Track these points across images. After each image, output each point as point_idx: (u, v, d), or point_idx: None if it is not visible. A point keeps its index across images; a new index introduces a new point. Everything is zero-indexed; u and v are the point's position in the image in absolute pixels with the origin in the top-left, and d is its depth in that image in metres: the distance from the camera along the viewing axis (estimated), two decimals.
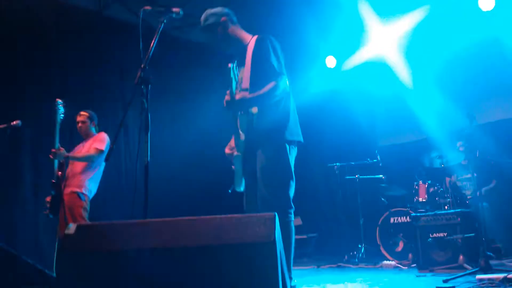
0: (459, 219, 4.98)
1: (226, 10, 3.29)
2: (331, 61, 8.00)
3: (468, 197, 6.08)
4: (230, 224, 1.86)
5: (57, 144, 4.57)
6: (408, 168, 6.71)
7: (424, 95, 7.22)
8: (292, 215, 3.10)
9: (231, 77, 2.96)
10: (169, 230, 1.89)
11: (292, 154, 3.18)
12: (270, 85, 3.02)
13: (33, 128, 5.52)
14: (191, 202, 6.77)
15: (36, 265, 3.89)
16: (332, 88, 7.96)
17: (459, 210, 5.17)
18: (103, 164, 5.00)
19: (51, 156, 4.59)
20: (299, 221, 7.82)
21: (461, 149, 6.23)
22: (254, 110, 3.04)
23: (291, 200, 3.06)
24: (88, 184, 4.84)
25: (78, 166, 4.86)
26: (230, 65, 2.91)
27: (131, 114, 6.45)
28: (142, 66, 2.61)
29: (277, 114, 3.10)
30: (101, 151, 4.85)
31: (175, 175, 6.76)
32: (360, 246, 6.64)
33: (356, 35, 7.29)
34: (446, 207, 5.65)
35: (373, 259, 6.40)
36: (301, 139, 3.22)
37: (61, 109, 4.69)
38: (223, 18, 3.21)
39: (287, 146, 3.13)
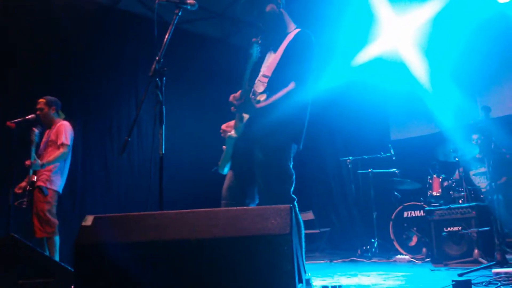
0: (474, 212, 4.93)
1: None
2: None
3: (483, 190, 6.01)
4: (246, 215, 1.86)
5: (33, 157, 4.63)
6: (422, 161, 6.65)
7: (439, 88, 7.14)
8: (296, 207, 3.04)
9: (250, 52, 2.82)
10: (185, 221, 1.89)
11: (290, 156, 3.08)
12: (288, 88, 2.92)
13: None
14: (205, 194, 6.78)
15: (52, 258, 3.94)
16: (344, 82, 7.90)
17: (473, 203, 5.12)
18: (69, 156, 4.98)
19: (26, 166, 4.65)
20: (311, 216, 7.81)
21: (476, 142, 6.16)
22: (261, 97, 2.98)
23: (291, 194, 2.98)
24: (53, 178, 4.80)
25: (45, 160, 4.82)
26: (254, 39, 2.79)
27: (144, 107, 6.47)
28: (157, 58, 2.61)
29: (294, 113, 3.00)
30: (67, 145, 4.84)
31: (189, 167, 6.78)
32: (373, 240, 6.61)
33: (368, 28, 7.21)
34: (460, 201, 5.60)
35: (386, 253, 6.38)
36: (301, 146, 3.13)
37: (37, 134, 4.71)
38: None
39: (289, 146, 3.05)
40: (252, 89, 3.07)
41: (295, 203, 2.96)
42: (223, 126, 3.21)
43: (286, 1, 3.21)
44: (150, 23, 6.83)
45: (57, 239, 4.70)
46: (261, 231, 1.80)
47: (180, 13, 2.75)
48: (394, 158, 6.82)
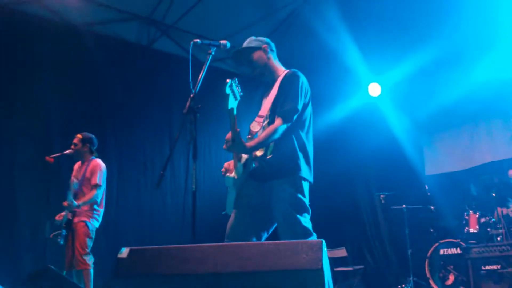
0: None
1: (268, 39, 3.37)
2: (375, 89, 7.91)
3: None
4: (278, 250, 1.88)
5: (70, 199, 4.84)
6: (458, 198, 6.51)
7: None
8: None
9: (228, 93, 2.84)
10: (218, 255, 1.92)
11: (305, 191, 3.10)
12: (275, 124, 3.02)
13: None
14: None
15: None
16: (377, 116, 7.89)
17: None
18: (105, 195, 5.18)
19: (64, 206, 4.86)
20: (344, 252, 7.67)
21: None
22: (259, 153, 3.05)
23: (310, 229, 2.98)
24: (95, 215, 5.02)
25: (79, 202, 4.99)
26: (228, 80, 2.83)
27: (175, 143, 6.61)
28: (191, 95, 2.70)
29: (292, 149, 3.06)
30: (99, 186, 5.04)
31: (223, 200, 6.82)
32: (408, 278, 6.43)
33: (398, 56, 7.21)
34: (498, 238, 5.43)
35: None
36: (312, 180, 3.15)
37: (76, 184, 4.99)
38: (264, 46, 3.29)
39: (302, 183, 3.07)
40: (249, 129, 3.16)
41: (312, 237, 2.97)
42: (226, 164, 3.31)
43: (275, 47, 3.37)
44: (183, 62, 7.05)
45: (92, 271, 4.81)
46: (293, 265, 1.81)
47: (213, 53, 2.87)
48: (429, 194, 6.70)
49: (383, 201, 6.99)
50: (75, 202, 4.86)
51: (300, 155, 3.07)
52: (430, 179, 7.27)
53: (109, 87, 6.52)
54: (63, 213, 4.94)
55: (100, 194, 5.09)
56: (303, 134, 3.13)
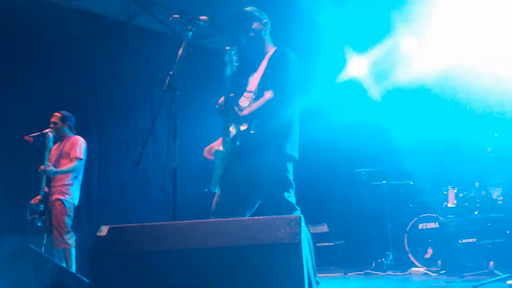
0: (489, 224, 4.89)
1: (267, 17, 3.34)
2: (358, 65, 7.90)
3: (499, 202, 5.95)
4: (257, 225, 1.90)
5: (46, 163, 4.74)
6: (437, 173, 6.61)
7: None
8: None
9: (226, 60, 2.89)
10: (198, 231, 1.94)
11: (290, 167, 3.12)
12: (266, 96, 3.01)
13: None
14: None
15: (69, 269, 4.01)
16: (357, 92, 7.92)
17: (489, 215, 5.08)
18: (82, 170, 5.11)
19: (40, 171, 4.75)
20: (325, 228, 7.79)
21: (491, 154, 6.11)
22: (242, 127, 3.02)
23: (294, 204, 3.02)
24: (72, 191, 4.94)
25: (61, 174, 4.94)
26: (228, 48, 2.85)
27: (158, 119, 6.56)
28: (171, 73, 2.68)
29: (278, 125, 3.06)
30: (80, 159, 4.97)
31: (203, 178, 6.84)
32: (388, 253, 6.57)
33: None
34: (476, 212, 5.56)
35: (401, 266, 6.33)
36: (297, 156, 3.17)
37: (51, 139, 4.83)
38: (265, 20, 3.26)
39: (286, 158, 3.09)
40: (238, 103, 3.15)
41: (300, 213, 2.99)
42: (206, 148, 3.25)
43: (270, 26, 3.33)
44: (165, 38, 6.96)
45: (73, 250, 4.79)
46: (271, 240, 1.84)
47: (193, 29, 2.83)
48: (408, 170, 6.80)
49: (363, 178, 7.08)
50: (53, 168, 4.76)
51: (286, 131, 3.08)
52: (410, 154, 7.36)
53: (89, 64, 6.42)
54: (38, 197, 4.85)
55: (79, 167, 5.00)
56: (291, 110, 3.13)
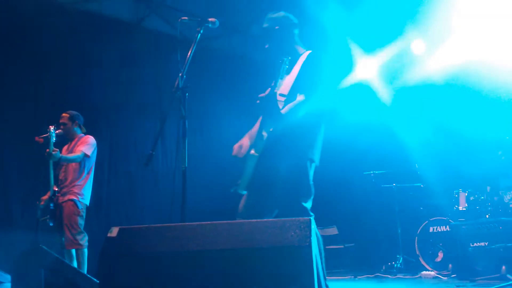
0: (500, 227, 4.84)
1: (284, 17, 3.29)
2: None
3: (511, 205, 5.89)
4: (266, 227, 1.89)
5: (52, 147, 4.70)
6: (448, 175, 6.56)
7: None
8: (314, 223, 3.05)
9: (280, 71, 2.94)
10: (207, 233, 1.93)
11: (310, 173, 3.12)
12: (298, 99, 3.01)
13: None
14: (228, 206, 6.84)
15: (79, 270, 4.03)
16: (368, 98, 7.89)
17: (500, 218, 5.02)
18: (93, 171, 5.11)
19: (46, 155, 4.69)
20: (335, 231, 7.75)
21: (500, 157, 6.06)
22: (271, 130, 3.03)
23: (309, 211, 3.00)
24: (84, 191, 4.95)
25: (71, 174, 4.95)
26: (285, 58, 2.90)
27: (168, 121, 6.59)
28: (180, 74, 2.68)
29: (306, 129, 3.06)
30: (87, 156, 4.95)
31: (212, 180, 6.85)
32: (398, 256, 6.52)
33: None
34: (487, 216, 5.50)
35: (411, 269, 6.28)
36: (317, 162, 3.16)
37: (53, 134, 4.80)
38: (277, 27, 3.22)
39: (308, 165, 3.08)
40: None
41: (313, 219, 2.97)
42: (235, 147, 3.24)
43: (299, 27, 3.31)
44: (174, 40, 6.99)
45: (86, 251, 4.80)
46: (281, 242, 1.83)
47: (202, 31, 2.84)
48: (419, 173, 6.75)
49: (373, 180, 7.04)
50: (58, 153, 4.73)
51: (312, 136, 3.08)
52: (420, 157, 7.31)
53: (97, 66, 6.46)
54: (47, 196, 4.86)
55: (87, 163, 5.00)
56: (320, 115, 3.13)
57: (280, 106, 3.07)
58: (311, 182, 3.04)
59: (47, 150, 4.69)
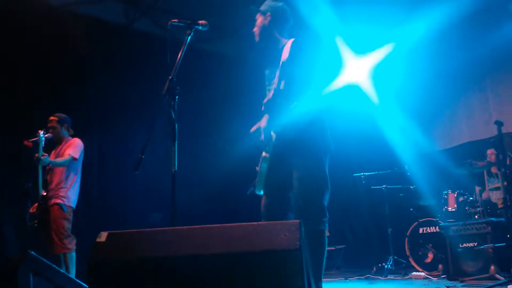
0: (489, 228, 4.88)
1: (278, 6, 3.25)
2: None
3: (499, 206, 5.95)
4: (256, 231, 1.89)
5: (41, 152, 4.66)
6: (437, 177, 6.60)
7: None
8: (327, 224, 3.08)
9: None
10: (198, 237, 1.93)
11: (326, 164, 3.13)
12: (278, 89, 2.98)
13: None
14: (217, 210, 6.84)
15: (68, 275, 3.99)
16: (358, 100, 7.92)
17: (489, 219, 5.07)
18: (80, 173, 5.07)
19: (35, 160, 4.64)
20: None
21: (492, 157, 6.12)
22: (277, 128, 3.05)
23: (326, 209, 3.03)
24: (70, 194, 4.90)
25: (57, 177, 4.92)
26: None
27: (158, 124, 6.55)
28: (170, 77, 2.67)
29: (316, 123, 3.05)
30: (75, 159, 4.92)
31: (202, 183, 6.85)
32: (388, 257, 6.55)
33: None
34: (476, 217, 5.54)
35: (402, 270, 6.32)
36: (332, 148, 3.17)
37: (42, 139, 4.75)
38: (268, 13, 3.18)
39: (324, 156, 3.09)
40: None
41: (325, 219, 3.00)
42: (254, 128, 3.22)
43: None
44: (164, 42, 6.95)
45: (74, 255, 4.76)
46: (271, 246, 1.83)
47: (192, 34, 2.83)
48: (408, 174, 6.78)
49: (363, 182, 7.06)
50: (47, 157, 4.70)
51: (318, 129, 3.07)
52: (410, 159, 7.35)
53: (89, 68, 6.43)
54: (36, 204, 4.82)
55: (74, 167, 4.97)
56: (317, 101, 3.07)
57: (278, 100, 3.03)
58: (327, 171, 3.08)
59: (36, 155, 4.66)
